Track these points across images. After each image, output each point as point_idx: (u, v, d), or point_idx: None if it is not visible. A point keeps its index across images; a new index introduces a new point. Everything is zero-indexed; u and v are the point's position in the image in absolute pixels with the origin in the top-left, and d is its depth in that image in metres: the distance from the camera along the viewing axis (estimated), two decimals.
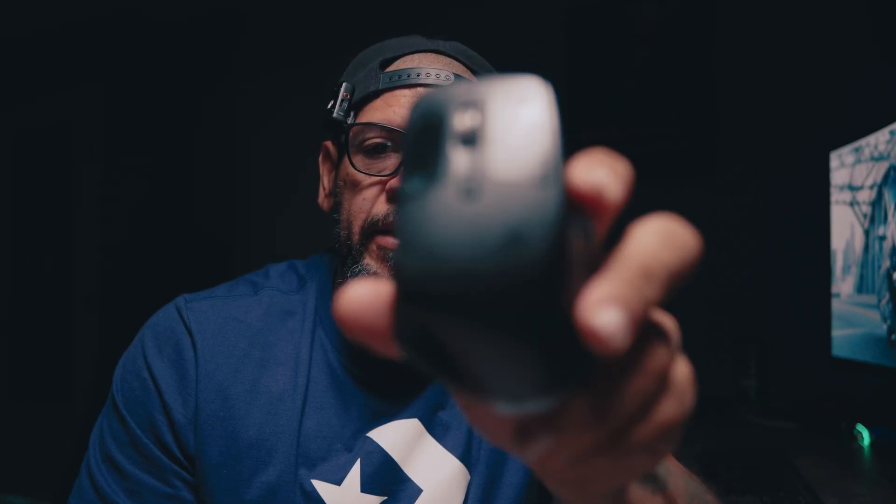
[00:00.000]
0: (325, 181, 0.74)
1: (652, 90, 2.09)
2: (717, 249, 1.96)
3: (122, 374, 0.67)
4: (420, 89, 0.64)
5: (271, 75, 2.76)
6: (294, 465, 0.63)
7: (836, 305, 1.51)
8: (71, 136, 2.98)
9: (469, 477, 0.67)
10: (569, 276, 0.20)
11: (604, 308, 0.19)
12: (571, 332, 0.20)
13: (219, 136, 2.91)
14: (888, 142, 1.29)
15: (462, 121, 0.21)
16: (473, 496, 0.66)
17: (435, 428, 0.67)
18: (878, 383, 1.46)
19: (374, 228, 0.64)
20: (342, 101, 0.67)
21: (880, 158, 1.32)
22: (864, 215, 1.38)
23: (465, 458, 0.67)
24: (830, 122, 1.75)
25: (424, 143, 0.21)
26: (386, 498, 0.65)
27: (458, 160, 0.20)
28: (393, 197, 0.63)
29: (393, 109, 0.64)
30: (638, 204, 0.26)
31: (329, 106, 0.67)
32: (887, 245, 1.29)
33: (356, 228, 0.65)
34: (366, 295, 0.22)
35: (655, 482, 0.34)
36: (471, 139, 0.20)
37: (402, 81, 0.65)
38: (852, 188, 1.43)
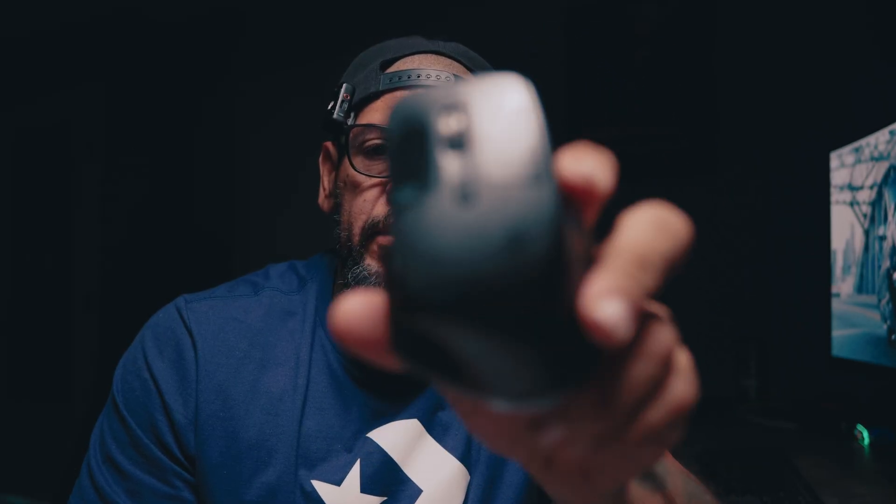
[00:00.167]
0: (326, 182, 0.74)
1: (652, 90, 2.09)
2: (717, 249, 1.96)
3: (123, 374, 0.67)
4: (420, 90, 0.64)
5: (271, 75, 2.76)
6: (294, 465, 0.63)
7: (836, 305, 1.51)
8: (71, 136, 2.98)
9: (469, 477, 0.67)
10: (569, 271, 0.20)
11: (605, 300, 0.19)
12: (574, 328, 0.20)
13: (219, 136, 2.91)
14: (888, 142, 1.29)
15: (447, 125, 0.21)
16: (473, 496, 0.66)
17: (435, 428, 0.67)
18: (878, 383, 1.46)
19: (374, 230, 0.64)
20: (342, 102, 0.67)
21: (880, 158, 1.32)
22: (864, 215, 1.38)
23: (465, 458, 0.67)
24: (830, 122, 1.75)
25: (410, 150, 0.21)
26: (386, 498, 0.65)
27: (450, 165, 0.20)
28: None
29: None
30: (638, 204, 0.26)
31: (329, 107, 0.67)
32: (887, 245, 1.29)
33: (356, 230, 0.65)
34: (360, 307, 0.22)
35: (654, 481, 0.34)
36: (459, 143, 0.20)
37: (402, 83, 0.65)
38: (852, 188, 1.43)
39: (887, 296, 1.28)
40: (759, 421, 1.54)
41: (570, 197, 0.21)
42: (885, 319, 1.29)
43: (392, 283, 0.20)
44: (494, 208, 0.19)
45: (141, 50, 2.88)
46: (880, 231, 1.32)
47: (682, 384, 0.24)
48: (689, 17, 2.04)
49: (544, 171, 0.20)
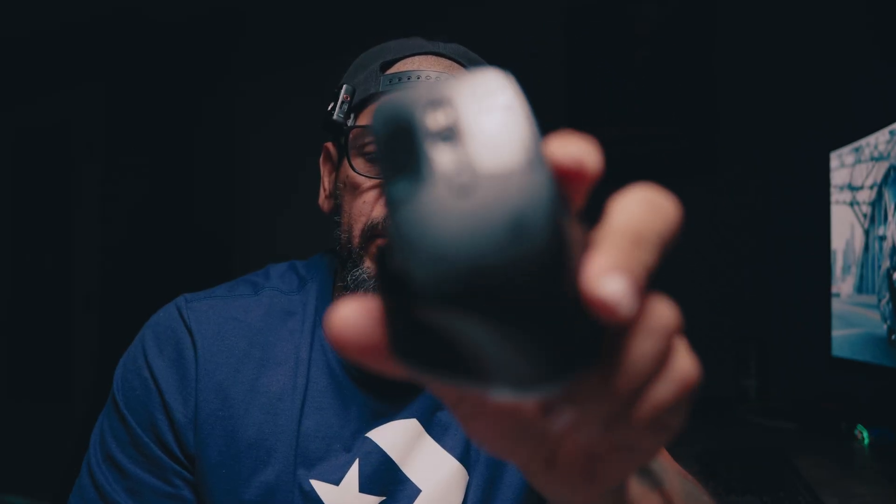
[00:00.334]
0: (326, 183, 0.74)
1: (652, 90, 2.09)
2: (717, 249, 1.96)
3: (123, 373, 0.67)
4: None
5: (271, 75, 2.77)
6: (293, 464, 0.63)
7: (836, 305, 1.51)
8: (71, 136, 2.98)
9: (468, 477, 0.67)
10: (570, 254, 0.20)
11: (608, 277, 0.20)
12: (578, 311, 0.20)
13: (219, 136, 2.91)
14: (888, 142, 1.29)
15: (435, 119, 0.21)
16: (473, 497, 0.66)
17: (434, 428, 0.67)
18: (878, 383, 1.46)
19: (374, 232, 0.64)
20: (342, 103, 0.67)
21: (880, 158, 1.32)
22: (864, 215, 1.38)
23: (464, 458, 0.67)
24: (830, 122, 1.75)
25: (399, 146, 0.21)
26: (384, 498, 0.65)
27: (442, 158, 0.20)
28: None
29: None
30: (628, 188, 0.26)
31: (329, 108, 0.67)
32: (887, 245, 1.29)
33: (356, 231, 0.65)
34: (355, 313, 0.22)
35: (651, 479, 0.34)
36: (449, 136, 0.20)
37: (402, 84, 0.65)
38: (852, 188, 1.43)
39: (887, 296, 1.28)
40: (759, 421, 1.54)
41: (561, 181, 0.22)
42: (885, 319, 1.29)
43: (392, 281, 0.20)
44: (493, 196, 0.19)
45: (141, 50, 2.88)
46: (880, 231, 1.32)
47: (686, 361, 0.24)
48: (689, 17, 2.04)
49: (537, 156, 0.20)
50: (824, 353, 1.53)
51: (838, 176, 1.49)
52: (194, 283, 0.81)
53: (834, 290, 1.53)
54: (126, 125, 2.90)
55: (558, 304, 0.20)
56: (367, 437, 0.65)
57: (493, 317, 0.19)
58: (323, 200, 0.74)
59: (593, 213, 0.24)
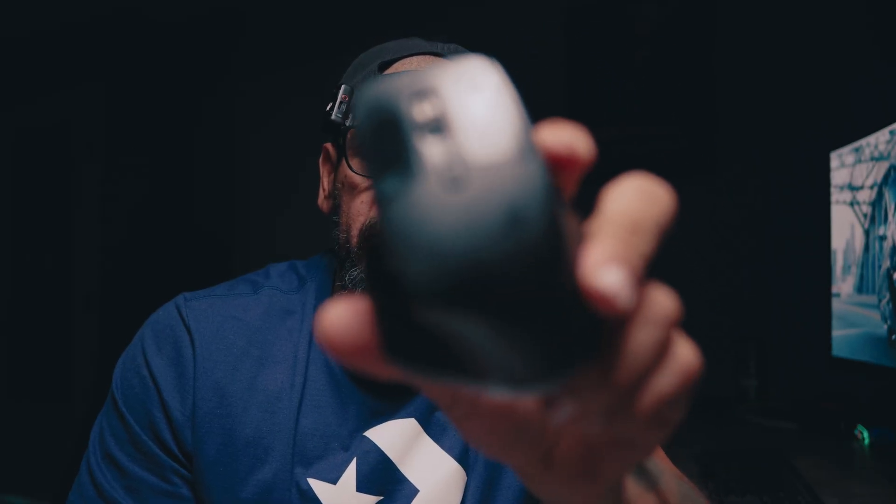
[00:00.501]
0: (325, 183, 0.74)
1: (652, 90, 2.09)
2: (717, 249, 1.96)
3: (122, 371, 0.67)
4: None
5: (271, 75, 2.77)
6: (290, 463, 0.63)
7: (836, 305, 1.51)
8: (71, 136, 2.98)
9: (466, 478, 0.67)
10: (567, 246, 0.19)
11: (605, 268, 0.19)
12: (576, 304, 0.20)
13: (219, 136, 2.91)
14: (888, 142, 1.29)
15: (422, 111, 0.20)
16: (471, 497, 0.66)
17: (432, 428, 0.67)
18: (878, 383, 1.46)
19: (372, 231, 0.64)
20: (340, 103, 0.67)
21: (880, 158, 1.32)
22: (864, 215, 1.38)
23: (463, 458, 0.67)
24: (830, 122, 1.75)
25: (386, 140, 0.20)
26: (382, 498, 0.64)
27: (432, 151, 0.19)
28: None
29: None
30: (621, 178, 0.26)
31: (328, 108, 0.68)
32: (887, 245, 1.29)
33: (354, 231, 0.65)
34: (345, 315, 0.21)
35: (647, 479, 0.34)
36: (437, 127, 0.20)
37: None
38: (852, 188, 1.43)
39: (887, 296, 1.28)
40: (758, 421, 1.54)
41: (554, 169, 0.21)
42: (885, 319, 1.29)
43: (384, 279, 0.20)
44: (487, 189, 0.19)
45: (141, 50, 2.89)
46: (880, 231, 1.32)
47: (687, 351, 0.24)
48: (689, 17, 2.04)
49: (529, 145, 0.20)
50: (824, 353, 1.53)
51: (838, 176, 1.49)
52: (194, 283, 0.81)
53: (834, 290, 1.53)
54: (126, 125, 2.90)
55: (557, 296, 0.19)
56: (365, 437, 0.65)
57: (491, 312, 0.19)
58: (322, 201, 0.74)
59: (585, 210, 0.24)
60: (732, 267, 1.95)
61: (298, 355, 0.67)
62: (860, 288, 1.41)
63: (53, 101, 3.01)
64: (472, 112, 0.20)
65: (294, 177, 2.67)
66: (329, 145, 0.74)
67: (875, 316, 1.33)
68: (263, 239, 2.76)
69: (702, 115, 2.02)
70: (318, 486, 0.63)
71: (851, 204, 1.44)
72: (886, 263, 1.29)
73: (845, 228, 1.47)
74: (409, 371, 0.21)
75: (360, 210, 0.65)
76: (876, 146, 1.34)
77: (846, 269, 1.47)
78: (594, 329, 0.21)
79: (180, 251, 2.88)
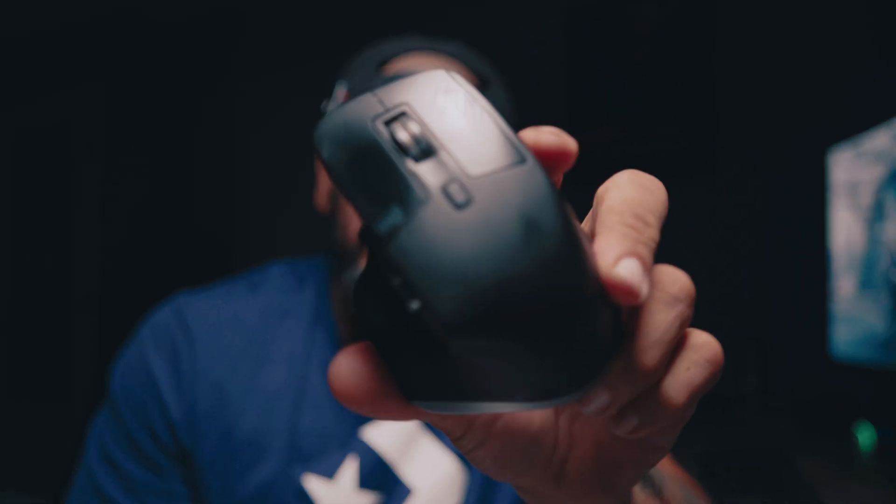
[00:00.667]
0: (324, 183, 0.74)
1: (652, 90, 2.09)
2: (717, 249, 1.96)
3: (120, 371, 0.67)
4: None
5: (271, 75, 2.77)
6: (288, 462, 0.63)
7: (836, 305, 1.51)
8: (71, 136, 2.98)
9: (466, 477, 0.67)
10: (581, 244, 0.19)
11: (622, 259, 0.20)
12: (598, 300, 0.19)
13: (219, 136, 2.91)
14: (888, 142, 1.29)
15: (401, 133, 0.19)
16: (471, 497, 0.66)
17: (432, 426, 0.67)
18: (878, 383, 1.46)
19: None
20: (339, 102, 0.67)
21: (880, 158, 1.32)
22: (864, 215, 1.38)
23: (463, 458, 0.67)
24: (830, 121, 1.75)
25: (368, 172, 0.18)
26: (381, 497, 0.64)
27: (427, 173, 0.18)
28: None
29: None
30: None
31: (326, 106, 0.67)
32: (887, 245, 1.29)
33: (353, 230, 0.65)
34: (356, 366, 0.21)
35: (652, 487, 0.34)
36: (423, 147, 0.19)
37: None
38: (852, 188, 1.43)
39: (887, 296, 1.28)
40: (758, 421, 1.54)
41: (547, 167, 0.21)
42: (885, 319, 1.29)
43: (396, 321, 0.18)
44: (495, 200, 0.18)
45: (141, 50, 2.89)
46: (880, 231, 1.32)
47: (705, 336, 0.23)
48: (689, 17, 2.04)
49: (522, 149, 0.19)
50: (824, 353, 1.53)
51: (838, 176, 1.49)
52: (194, 283, 0.81)
53: (834, 290, 1.53)
54: (126, 125, 2.90)
55: (584, 297, 0.18)
56: (364, 436, 0.65)
57: (526, 328, 0.18)
58: (320, 199, 0.74)
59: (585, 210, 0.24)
60: (732, 267, 1.95)
61: (297, 354, 0.67)
62: (860, 288, 1.41)
63: (53, 101, 3.01)
64: (453, 126, 0.19)
65: (294, 177, 2.67)
66: None
67: (875, 316, 1.33)
68: (263, 239, 2.76)
69: (702, 115, 2.02)
70: (316, 485, 0.63)
71: (851, 204, 1.44)
72: (886, 263, 1.29)
73: (845, 228, 1.47)
74: (433, 408, 0.20)
75: None
76: (876, 146, 1.34)
77: (846, 268, 1.47)
78: (617, 320, 0.20)
79: (180, 251, 2.88)
